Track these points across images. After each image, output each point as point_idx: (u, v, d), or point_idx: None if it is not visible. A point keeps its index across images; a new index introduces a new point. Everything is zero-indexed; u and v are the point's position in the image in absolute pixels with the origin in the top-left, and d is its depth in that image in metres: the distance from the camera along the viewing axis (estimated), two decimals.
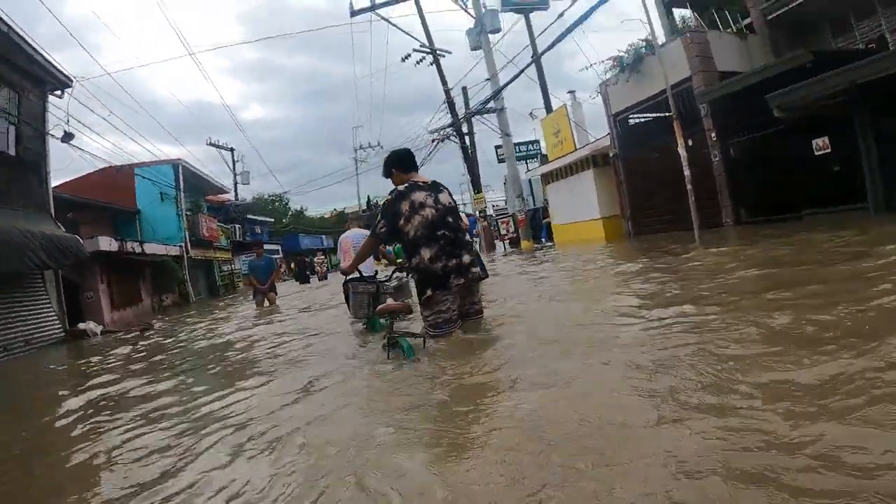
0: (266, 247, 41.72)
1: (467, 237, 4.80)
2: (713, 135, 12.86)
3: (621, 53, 15.63)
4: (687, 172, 11.92)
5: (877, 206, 9.61)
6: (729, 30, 14.48)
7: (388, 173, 4.65)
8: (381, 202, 4.67)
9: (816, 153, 10.68)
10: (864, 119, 9.67)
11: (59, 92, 14.54)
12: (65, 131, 14.18)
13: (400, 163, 4.58)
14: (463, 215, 5.14)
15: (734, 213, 12.62)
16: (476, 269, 4.33)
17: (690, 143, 12.41)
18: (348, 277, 5.91)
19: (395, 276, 5.78)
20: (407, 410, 2.78)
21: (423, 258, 4.16)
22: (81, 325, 13.84)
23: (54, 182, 15.61)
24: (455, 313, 4.23)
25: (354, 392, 3.42)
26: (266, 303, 12.86)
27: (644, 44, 15.04)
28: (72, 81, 14.64)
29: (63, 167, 35.38)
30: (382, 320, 4.97)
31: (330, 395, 3.46)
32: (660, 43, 14.11)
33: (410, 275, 4.86)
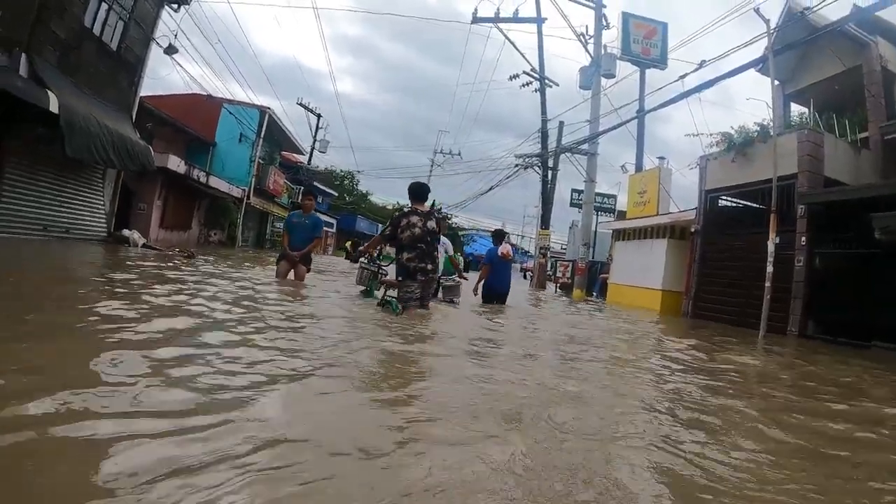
0: (323, 218, 42.41)
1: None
2: (803, 239, 12.22)
3: (732, 132, 15.12)
4: (770, 269, 11.38)
5: None
6: (844, 138, 13.79)
7: (409, 195, 6.99)
8: (394, 214, 7.33)
9: None
10: None
11: (175, 5, 14.95)
12: (170, 43, 14.64)
13: (413, 193, 6.94)
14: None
15: (802, 324, 11.93)
16: (431, 274, 6.76)
17: (778, 240, 11.84)
18: (360, 260, 8.16)
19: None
20: (379, 327, 5.51)
21: (404, 257, 6.56)
22: (126, 232, 14.20)
23: (144, 91, 16.09)
24: (417, 296, 6.63)
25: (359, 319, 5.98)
26: (291, 275, 9.09)
27: (758, 128, 14.52)
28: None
29: (157, 79, 36.74)
30: (377, 292, 7.42)
31: (342, 322, 5.70)
32: (771, 133, 13.61)
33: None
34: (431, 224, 6.70)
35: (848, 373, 6.55)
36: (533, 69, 28.06)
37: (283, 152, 35.50)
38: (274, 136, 29.64)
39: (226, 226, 24.82)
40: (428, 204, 7.08)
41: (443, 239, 9.55)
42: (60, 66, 11.65)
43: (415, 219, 6.58)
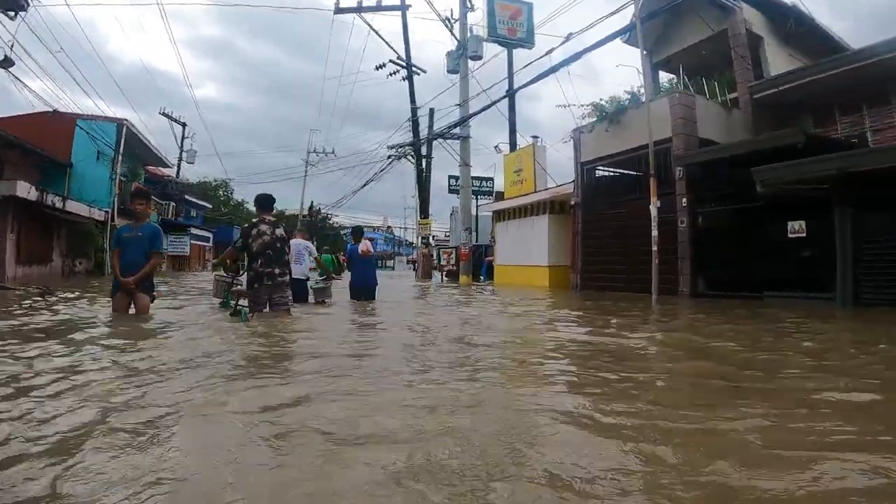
0: (197, 233, 39.41)
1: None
2: (684, 200, 12.39)
3: (602, 102, 15.18)
4: (655, 233, 11.38)
5: (844, 298, 9.20)
6: (714, 100, 14.26)
7: (255, 205, 7.47)
8: (244, 226, 7.54)
9: (790, 235, 10.27)
10: (845, 209, 9.32)
11: (11, 12, 12.67)
12: (5, 55, 12.44)
13: (259, 203, 7.32)
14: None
15: (692, 284, 12.08)
16: (280, 278, 6.96)
17: (659, 204, 11.90)
18: (216, 273, 8.36)
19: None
20: (229, 335, 5.39)
21: (255, 265, 6.88)
22: None
23: None
24: (265, 300, 6.94)
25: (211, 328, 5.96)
26: (131, 308, 6.75)
27: (629, 97, 14.67)
28: (28, 4, 12.84)
29: (7, 101, 32.38)
30: (232, 302, 7.19)
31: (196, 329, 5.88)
32: (643, 100, 13.78)
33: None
34: (279, 231, 7.09)
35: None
36: (399, 57, 27.28)
37: (148, 167, 32.23)
38: (135, 150, 26.64)
39: (91, 253, 21.85)
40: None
41: (305, 243, 10.17)
42: None
43: (263, 227, 6.96)
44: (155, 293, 7.16)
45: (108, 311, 6.94)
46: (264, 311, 6.93)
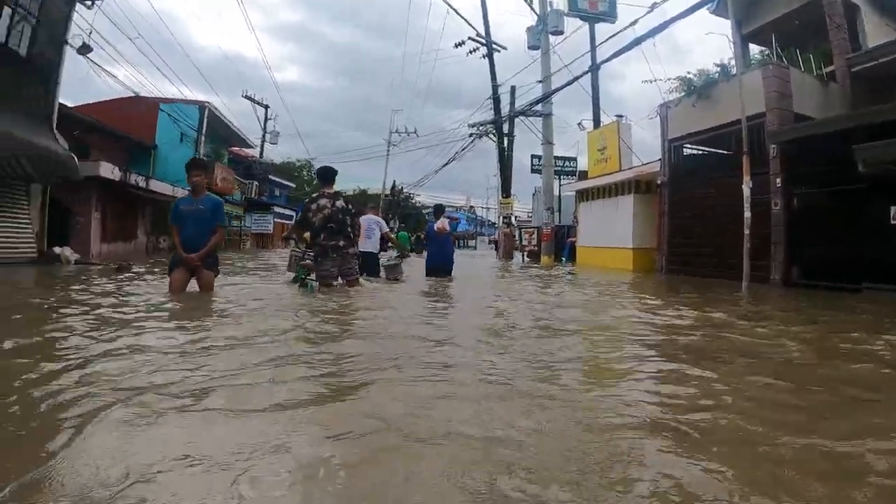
0: (280, 211, 41.00)
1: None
2: (778, 180, 11.58)
3: (690, 75, 14.37)
4: (748, 215, 10.73)
5: None
6: (809, 73, 13.16)
7: (317, 178, 7.80)
8: (305, 201, 7.96)
9: (893, 221, 9.39)
10: None
11: (88, 1, 13.56)
12: (83, 42, 13.34)
13: (321, 177, 7.58)
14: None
15: (784, 271, 11.33)
16: (345, 250, 7.11)
17: (751, 184, 11.16)
18: (292, 248, 8.49)
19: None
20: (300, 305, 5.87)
21: (319, 238, 7.05)
22: (56, 250, 13.00)
23: (74, 102, 14.82)
24: (335, 273, 7.13)
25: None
26: (189, 286, 6.46)
27: (717, 70, 13.81)
28: None
29: (81, 86, 34.79)
30: (302, 276, 7.49)
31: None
32: (734, 72, 12.92)
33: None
34: (340, 203, 7.16)
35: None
36: (479, 34, 27.04)
37: (232, 148, 33.94)
38: (218, 132, 28.15)
39: None
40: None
41: (376, 218, 10.48)
42: None
43: (323, 201, 7.14)
44: (217, 269, 6.77)
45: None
46: (335, 283, 7.15)
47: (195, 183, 6.46)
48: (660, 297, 8.74)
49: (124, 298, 6.20)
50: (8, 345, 3.41)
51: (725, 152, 13.66)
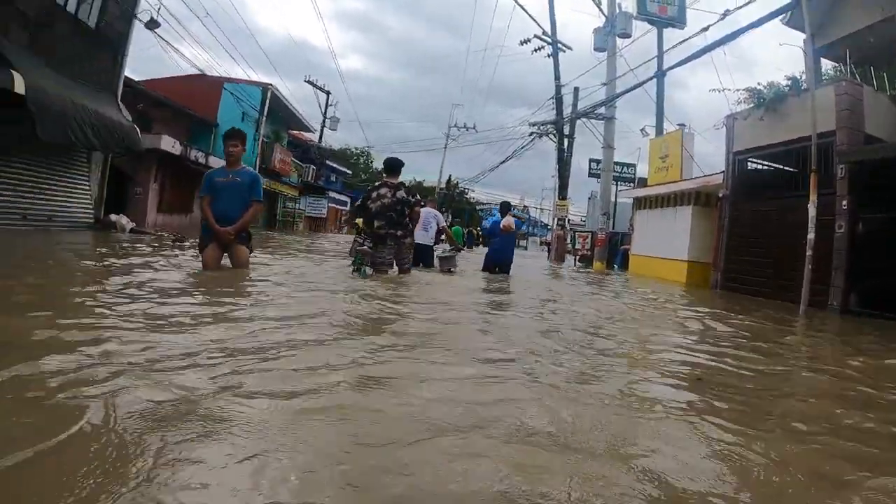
0: (335, 196, 41.74)
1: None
2: (844, 202, 11.10)
3: (760, 87, 13.91)
4: (811, 236, 10.37)
5: None
6: (883, 92, 12.52)
7: (383, 167, 8.08)
8: (367, 188, 8.06)
9: None
10: None
11: None
12: (151, 17, 13.92)
13: (386, 166, 7.88)
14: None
15: (843, 298, 10.87)
16: (402, 239, 7.43)
17: (817, 204, 10.76)
18: (354, 233, 8.61)
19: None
20: (350, 289, 5.85)
21: (375, 225, 7.38)
22: (113, 217, 13.68)
23: (139, 77, 15.46)
24: (389, 261, 7.45)
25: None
26: (226, 260, 6.19)
27: (788, 83, 13.32)
28: None
29: (147, 62, 36.27)
30: (358, 261, 7.39)
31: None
32: (805, 86, 12.44)
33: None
34: (400, 194, 7.41)
35: None
36: (545, 32, 26.81)
37: (292, 131, 34.80)
38: (279, 114, 28.93)
39: None
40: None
41: (434, 212, 10.74)
42: (32, 47, 10.93)
43: (384, 190, 7.42)
44: (251, 245, 6.46)
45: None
46: (390, 271, 7.46)
47: (232, 153, 6.06)
48: (729, 316, 8.00)
49: (187, 270, 6.27)
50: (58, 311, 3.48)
51: (791, 169, 13.17)
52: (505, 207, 11.97)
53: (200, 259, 6.27)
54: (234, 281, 5.59)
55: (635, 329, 5.74)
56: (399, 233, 7.39)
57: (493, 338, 4.08)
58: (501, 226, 11.12)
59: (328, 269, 8.30)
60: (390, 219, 7.34)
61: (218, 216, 5.90)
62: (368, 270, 7.17)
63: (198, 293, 4.72)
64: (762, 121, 13.58)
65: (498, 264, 11.16)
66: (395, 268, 7.56)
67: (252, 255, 6.60)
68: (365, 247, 7.70)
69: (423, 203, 8.67)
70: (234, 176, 6.02)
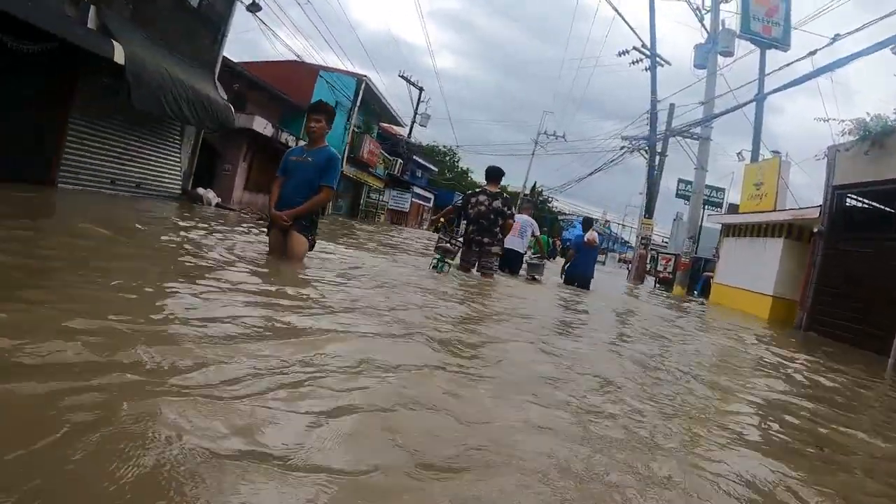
0: (419, 192, 42.20)
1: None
2: None
3: (867, 118, 12.91)
4: None
5: None
6: None
7: (485, 175, 8.32)
8: (467, 192, 8.40)
9: None
10: None
11: None
12: (253, 0, 14.32)
13: (487, 174, 8.21)
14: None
15: None
16: (488, 247, 7.73)
17: None
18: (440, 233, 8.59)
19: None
20: (429, 281, 6.41)
21: (468, 229, 7.89)
22: (200, 191, 14.27)
23: (237, 58, 15.85)
24: (474, 261, 7.85)
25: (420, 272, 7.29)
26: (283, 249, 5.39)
27: None
28: None
29: (245, 45, 37.94)
30: (439, 256, 7.61)
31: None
32: None
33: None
34: (497, 204, 7.72)
35: None
36: (644, 45, 26.13)
37: (382, 124, 35.56)
38: (371, 106, 29.55)
39: None
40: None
41: (531, 220, 10.79)
42: (134, 20, 11.41)
43: (482, 198, 7.76)
44: (313, 236, 5.53)
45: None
46: (473, 271, 7.91)
47: (313, 129, 5.33)
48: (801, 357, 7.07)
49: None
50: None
51: (893, 211, 12.21)
52: (588, 223, 12.25)
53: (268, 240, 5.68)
54: (279, 276, 4.80)
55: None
56: (486, 240, 7.74)
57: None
58: (585, 240, 11.33)
59: (413, 264, 8.57)
60: (481, 225, 7.73)
61: (283, 199, 5.25)
62: (446, 267, 7.46)
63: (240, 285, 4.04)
64: (867, 155, 12.65)
65: (578, 279, 11.34)
66: (477, 270, 7.93)
67: (311, 249, 5.63)
68: (447, 245, 7.75)
69: (513, 214, 8.36)
70: (308, 156, 5.30)
